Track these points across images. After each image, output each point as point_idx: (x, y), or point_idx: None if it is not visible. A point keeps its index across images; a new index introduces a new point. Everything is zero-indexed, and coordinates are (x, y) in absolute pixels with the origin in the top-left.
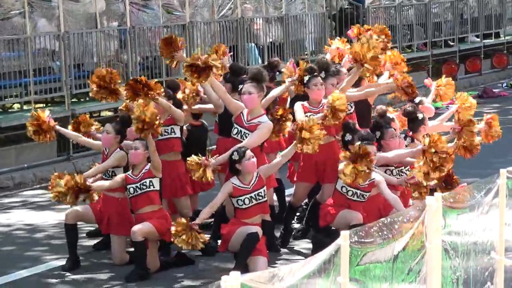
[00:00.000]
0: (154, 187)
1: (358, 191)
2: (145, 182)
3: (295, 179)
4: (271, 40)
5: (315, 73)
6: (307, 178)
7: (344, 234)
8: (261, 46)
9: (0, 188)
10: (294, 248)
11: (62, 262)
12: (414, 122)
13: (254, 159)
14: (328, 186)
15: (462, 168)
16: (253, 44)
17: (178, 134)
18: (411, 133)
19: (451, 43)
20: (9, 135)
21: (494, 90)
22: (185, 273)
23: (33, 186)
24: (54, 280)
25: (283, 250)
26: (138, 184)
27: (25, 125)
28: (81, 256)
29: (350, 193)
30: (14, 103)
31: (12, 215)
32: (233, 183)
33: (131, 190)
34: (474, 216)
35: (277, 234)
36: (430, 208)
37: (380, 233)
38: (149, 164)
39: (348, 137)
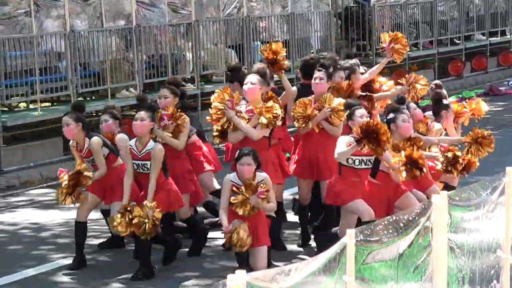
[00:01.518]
0: None
1: (364, 158)
2: (146, 164)
3: (291, 172)
4: (277, 38)
5: (319, 68)
6: (303, 174)
7: (350, 232)
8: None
9: (7, 187)
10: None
11: (69, 260)
12: (437, 104)
13: (248, 167)
14: (326, 184)
15: None
16: (258, 43)
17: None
18: (433, 117)
19: (457, 41)
20: (15, 134)
21: (500, 88)
22: (191, 271)
23: (40, 185)
24: (60, 279)
25: (289, 247)
26: (139, 163)
27: (31, 124)
28: (87, 255)
29: (357, 162)
30: (20, 102)
31: (18, 214)
32: (231, 181)
33: (134, 166)
34: (480, 214)
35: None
36: (436, 206)
37: (385, 231)
38: (152, 142)
39: (391, 115)
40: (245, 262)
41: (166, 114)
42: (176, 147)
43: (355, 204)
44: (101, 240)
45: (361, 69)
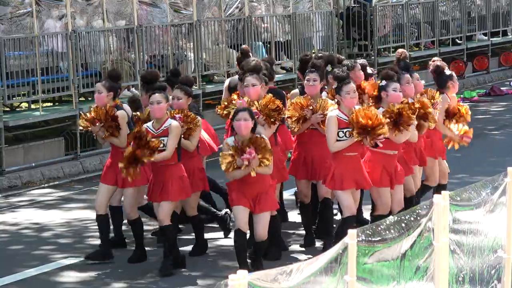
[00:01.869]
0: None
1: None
2: (163, 140)
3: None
4: (278, 39)
5: (311, 69)
6: (298, 173)
7: (352, 233)
8: (268, 45)
9: (8, 187)
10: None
11: (71, 260)
12: (441, 77)
13: (244, 122)
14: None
15: (467, 166)
16: (260, 43)
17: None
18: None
19: (459, 41)
20: (17, 134)
21: (501, 88)
22: (193, 271)
23: (41, 185)
24: (62, 279)
25: (291, 248)
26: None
27: (33, 124)
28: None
29: (348, 134)
30: (21, 102)
31: (20, 214)
32: (227, 142)
33: None
34: (481, 214)
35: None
36: (438, 207)
37: (387, 232)
38: (170, 119)
39: (383, 83)
40: (246, 261)
41: (180, 117)
42: (187, 148)
43: (343, 195)
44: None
45: (368, 70)
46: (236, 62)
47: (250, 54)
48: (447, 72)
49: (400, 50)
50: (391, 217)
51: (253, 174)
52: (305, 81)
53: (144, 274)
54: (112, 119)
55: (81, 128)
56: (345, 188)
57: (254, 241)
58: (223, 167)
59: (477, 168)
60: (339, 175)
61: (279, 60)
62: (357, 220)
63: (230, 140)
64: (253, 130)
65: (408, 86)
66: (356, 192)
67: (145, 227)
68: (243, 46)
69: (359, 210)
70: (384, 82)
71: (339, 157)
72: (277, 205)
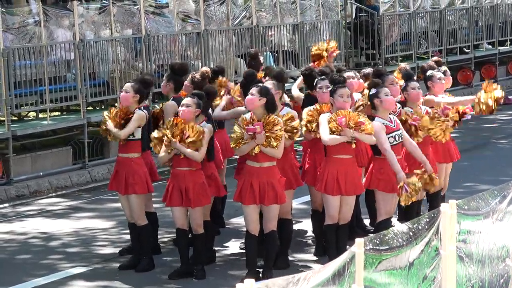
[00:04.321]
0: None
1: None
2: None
3: (305, 181)
4: (286, 48)
5: (322, 77)
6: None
7: (359, 241)
8: (276, 54)
9: (16, 196)
10: (311, 255)
11: (78, 270)
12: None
13: (251, 97)
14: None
15: (475, 175)
16: (268, 52)
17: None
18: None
19: (466, 50)
20: (25, 143)
21: (509, 97)
22: (200, 280)
23: (49, 194)
24: None
25: (299, 256)
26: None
27: (40, 134)
28: (96, 264)
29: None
30: (29, 112)
31: (28, 223)
32: (243, 116)
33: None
34: (489, 223)
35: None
36: (445, 215)
37: (395, 240)
38: (198, 125)
39: (373, 91)
40: (255, 263)
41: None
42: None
43: (329, 201)
44: (110, 249)
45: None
46: (242, 71)
47: (260, 57)
48: (428, 73)
49: (401, 65)
50: (399, 226)
51: (256, 150)
52: (318, 89)
53: (152, 283)
54: (121, 118)
55: (104, 118)
56: (334, 194)
57: (264, 234)
58: (231, 142)
59: (485, 177)
60: (331, 180)
61: (286, 69)
62: (357, 226)
63: (247, 116)
64: (270, 110)
65: (392, 87)
66: (351, 198)
67: (162, 238)
68: (252, 49)
69: (358, 217)
70: (374, 90)
71: (332, 160)
72: (285, 199)
